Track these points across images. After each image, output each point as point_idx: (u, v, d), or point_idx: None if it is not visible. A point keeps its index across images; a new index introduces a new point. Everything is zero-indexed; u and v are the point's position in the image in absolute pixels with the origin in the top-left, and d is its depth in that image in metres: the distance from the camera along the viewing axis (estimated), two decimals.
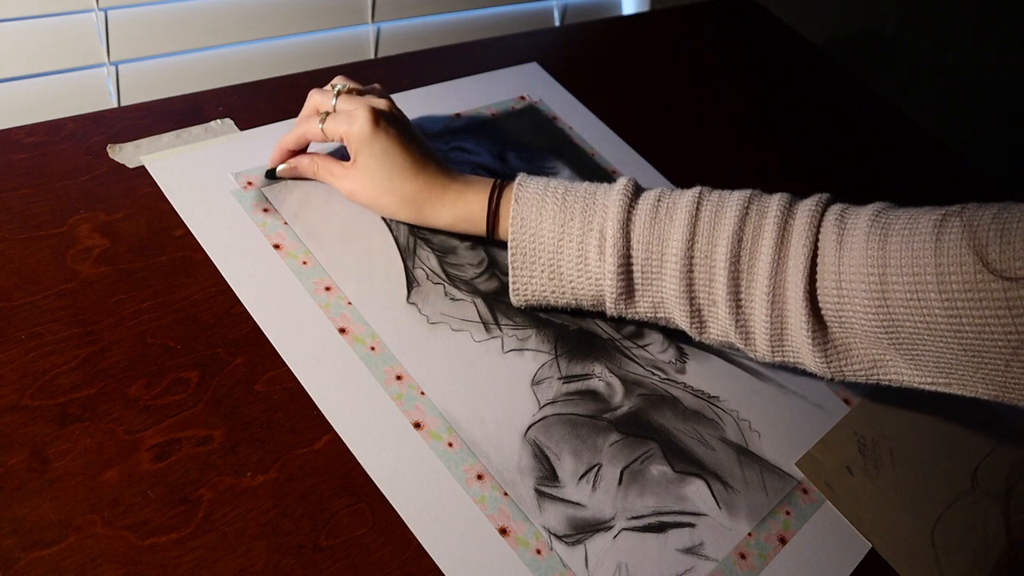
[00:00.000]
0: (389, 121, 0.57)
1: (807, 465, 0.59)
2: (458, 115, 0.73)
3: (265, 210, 0.58)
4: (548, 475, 0.52)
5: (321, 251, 0.57)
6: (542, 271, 0.57)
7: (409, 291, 0.57)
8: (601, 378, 0.58)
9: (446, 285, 0.59)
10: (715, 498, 0.55)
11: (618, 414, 0.57)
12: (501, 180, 0.59)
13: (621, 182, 0.57)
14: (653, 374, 0.60)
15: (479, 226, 0.58)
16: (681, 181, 0.77)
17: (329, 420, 0.49)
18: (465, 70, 0.79)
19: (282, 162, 0.60)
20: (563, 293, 0.57)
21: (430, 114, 0.72)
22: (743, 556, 0.53)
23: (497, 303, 0.60)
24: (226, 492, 0.44)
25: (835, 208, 0.53)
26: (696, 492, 0.55)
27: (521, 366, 0.57)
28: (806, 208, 0.53)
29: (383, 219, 0.61)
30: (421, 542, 0.46)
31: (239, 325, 0.51)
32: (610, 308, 0.57)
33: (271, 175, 0.60)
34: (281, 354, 0.51)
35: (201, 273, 0.53)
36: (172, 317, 0.50)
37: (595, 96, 0.82)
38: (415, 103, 0.72)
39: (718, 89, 0.97)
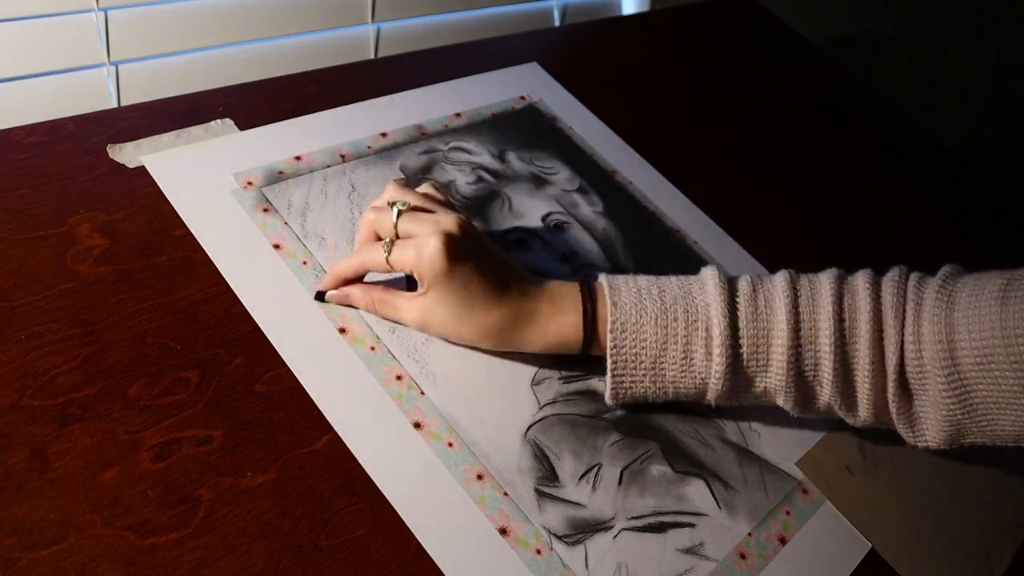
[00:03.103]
0: (464, 246, 0.51)
1: (807, 465, 0.59)
2: (458, 115, 0.73)
3: (265, 210, 0.58)
4: (548, 475, 0.52)
5: (321, 251, 0.57)
6: (644, 374, 0.54)
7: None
8: (601, 378, 0.58)
9: None
10: (715, 498, 0.55)
11: (618, 414, 0.57)
12: (586, 285, 0.55)
13: (711, 276, 0.55)
14: None
15: (573, 349, 0.55)
16: (681, 181, 0.77)
17: (329, 420, 0.49)
18: (465, 70, 0.79)
19: (334, 288, 0.54)
20: (664, 392, 0.55)
21: (430, 114, 0.72)
22: (743, 556, 0.53)
23: None
24: (226, 492, 0.44)
25: (913, 278, 0.55)
26: (696, 492, 0.55)
27: (521, 366, 0.57)
28: (890, 282, 0.54)
29: None
30: (421, 542, 0.46)
31: (239, 325, 0.51)
32: (710, 400, 0.55)
33: (320, 298, 0.54)
34: (281, 354, 0.51)
35: (201, 273, 0.53)
36: (172, 317, 0.50)
37: (595, 96, 0.82)
38: (415, 103, 0.72)
39: (718, 89, 0.97)
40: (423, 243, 0.50)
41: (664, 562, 0.51)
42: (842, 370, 0.53)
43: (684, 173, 0.78)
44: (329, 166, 0.63)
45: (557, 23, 1.13)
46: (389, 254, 0.51)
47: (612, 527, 0.51)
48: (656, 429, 0.57)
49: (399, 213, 0.51)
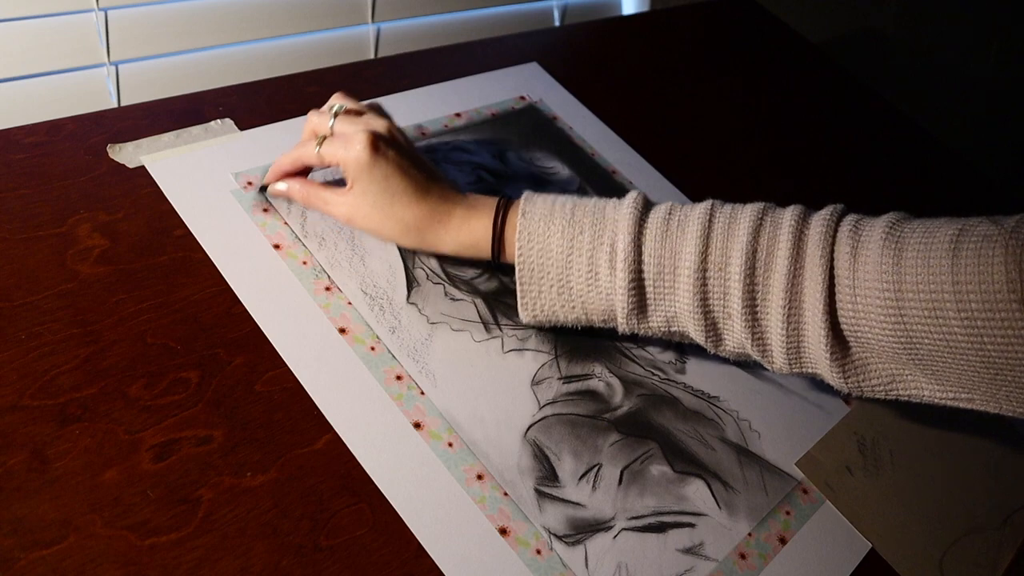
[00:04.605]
0: (388, 145, 0.55)
1: (807, 465, 0.60)
2: (458, 115, 0.73)
3: (265, 210, 0.58)
4: (548, 475, 0.52)
5: (321, 251, 0.57)
6: (551, 286, 0.55)
7: (409, 291, 0.57)
8: (601, 378, 0.58)
9: (446, 285, 0.59)
10: (715, 498, 0.55)
11: (618, 414, 0.57)
12: (507, 199, 0.57)
13: (631, 196, 0.55)
14: (653, 374, 0.60)
15: (484, 252, 0.56)
16: (681, 181, 0.77)
17: (329, 420, 0.49)
18: (465, 70, 0.79)
19: (276, 182, 0.58)
20: (573, 308, 0.55)
21: (430, 114, 0.72)
22: (743, 556, 0.53)
23: (497, 303, 0.60)
24: (226, 492, 0.44)
25: (849, 219, 0.52)
26: (696, 492, 0.55)
27: (521, 366, 0.57)
28: (820, 220, 0.52)
29: None
30: (421, 542, 0.46)
31: (239, 325, 0.51)
32: (621, 324, 0.55)
33: (263, 190, 0.59)
34: (281, 354, 0.51)
35: (201, 273, 0.53)
36: (172, 317, 0.50)
37: (595, 96, 0.82)
38: (415, 103, 0.72)
39: (718, 89, 0.97)
40: (350, 139, 0.54)
41: (664, 562, 0.51)
42: (751, 303, 0.52)
43: (684, 173, 0.78)
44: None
45: (557, 23, 1.13)
46: (320, 148, 0.55)
47: (612, 527, 0.51)
48: (656, 429, 0.57)
49: (336, 115, 0.56)
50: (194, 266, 0.53)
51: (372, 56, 0.96)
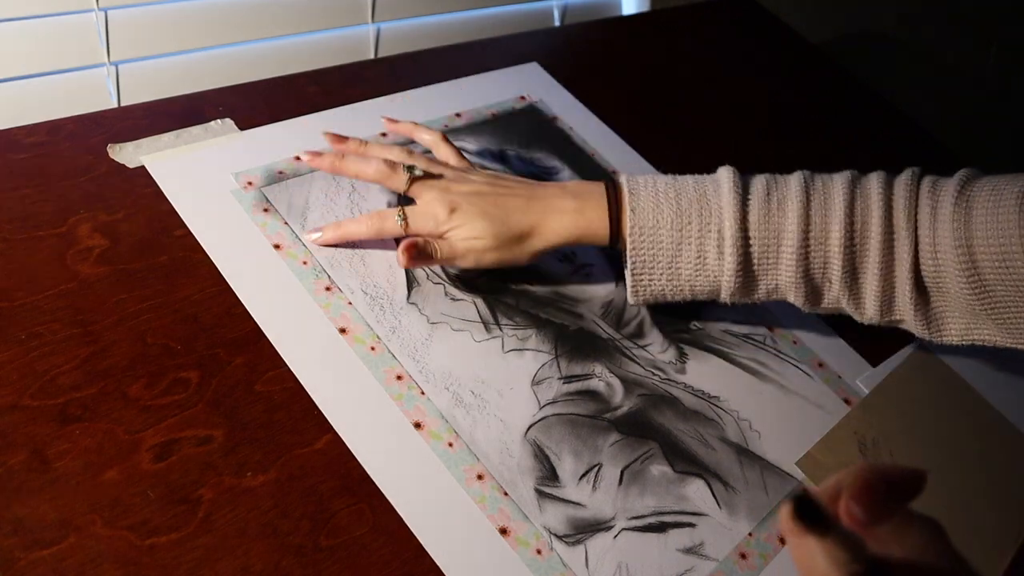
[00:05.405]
0: (469, 199, 0.56)
1: (807, 465, 0.59)
2: (458, 115, 0.73)
3: (265, 210, 0.58)
4: (548, 475, 0.52)
5: (321, 251, 0.57)
6: (661, 274, 0.58)
7: (409, 291, 0.57)
8: (601, 378, 0.58)
9: (446, 285, 0.59)
10: (715, 498, 0.55)
11: (618, 414, 0.57)
12: (611, 184, 0.58)
13: (726, 177, 0.58)
14: (653, 374, 0.60)
15: (601, 242, 0.58)
16: None
17: (329, 420, 0.49)
18: (465, 70, 0.78)
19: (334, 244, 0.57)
20: (680, 290, 0.59)
21: (430, 114, 0.72)
22: (743, 556, 0.53)
23: (497, 303, 0.60)
24: (226, 492, 0.44)
25: (926, 181, 0.58)
26: (696, 492, 0.55)
27: (521, 366, 0.57)
28: (902, 186, 0.57)
29: None
30: (421, 542, 0.46)
31: (239, 325, 0.51)
32: (725, 298, 0.59)
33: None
34: (281, 354, 0.51)
35: (201, 273, 0.53)
36: (172, 317, 0.50)
37: (595, 96, 0.82)
38: (415, 103, 0.72)
39: (718, 89, 0.97)
40: (434, 215, 0.55)
41: (664, 562, 0.51)
42: (851, 269, 0.57)
43: (684, 173, 0.78)
44: None
45: (557, 23, 1.13)
46: (408, 224, 0.56)
47: (612, 527, 0.51)
48: (656, 429, 0.57)
49: (412, 180, 0.56)
50: (194, 266, 0.53)
51: (372, 56, 0.96)
